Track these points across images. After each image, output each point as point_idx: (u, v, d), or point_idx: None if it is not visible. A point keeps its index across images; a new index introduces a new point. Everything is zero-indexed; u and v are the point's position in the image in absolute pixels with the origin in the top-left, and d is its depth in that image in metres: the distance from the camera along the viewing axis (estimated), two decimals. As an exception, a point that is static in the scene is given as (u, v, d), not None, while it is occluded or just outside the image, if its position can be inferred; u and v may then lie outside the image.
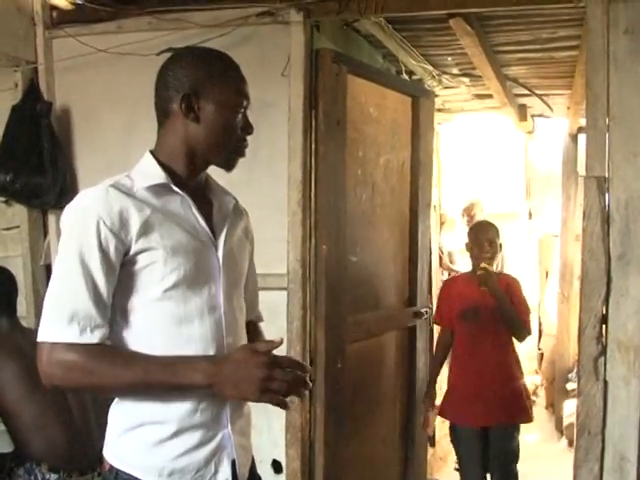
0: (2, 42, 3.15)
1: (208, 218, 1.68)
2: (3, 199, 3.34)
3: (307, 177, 2.99)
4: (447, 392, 3.57)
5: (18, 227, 3.40)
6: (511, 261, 5.88)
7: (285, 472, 3.06)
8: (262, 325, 2.92)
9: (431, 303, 4.63)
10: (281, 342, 1.56)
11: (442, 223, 5.96)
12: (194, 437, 1.57)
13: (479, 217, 5.74)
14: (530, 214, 6.24)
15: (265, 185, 3.07)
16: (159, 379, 1.50)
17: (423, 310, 3.85)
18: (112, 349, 1.54)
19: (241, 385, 1.48)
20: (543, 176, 6.22)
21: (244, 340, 1.74)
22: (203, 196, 1.71)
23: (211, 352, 1.58)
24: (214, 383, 1.50)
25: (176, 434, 1.57)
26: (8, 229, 3.49)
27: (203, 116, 1.62)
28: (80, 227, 1.51)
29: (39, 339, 1.48)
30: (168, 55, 2.58)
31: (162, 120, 1.67)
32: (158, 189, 1.60)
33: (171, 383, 1.51)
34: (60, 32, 3.25)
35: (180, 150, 1.64)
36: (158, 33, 3.04)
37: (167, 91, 1.63)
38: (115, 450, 1.62)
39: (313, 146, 3.02)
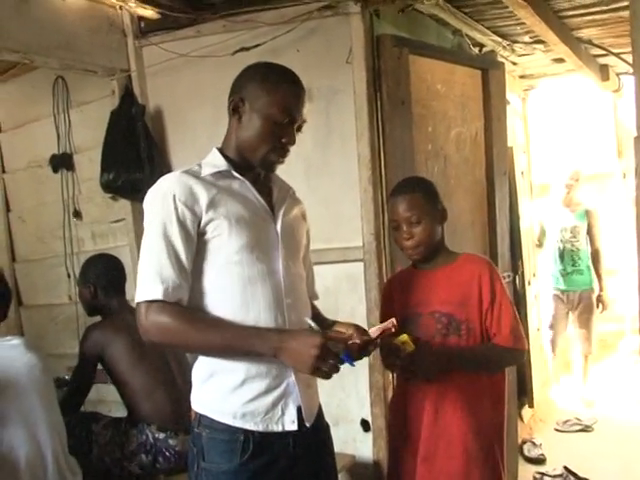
0: (99, 55, 3.51)
1: (268, 199, 1.94)
2: (109, 195, 3.72)
3: (376, 155, 3.21)
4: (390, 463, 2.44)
5: (124, 219, 3.79)
6: (606, 223, 5.83)
7: (372, 429, 3.31)
8: (344, 295, 3.25)
9: (520, 268, 4.75)
10: (350, 336, 1.86)
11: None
12: (261, 384, 1.83)
13: (575, 190, 5.64)
14: (624, 174, 6.15)
15: (339, 165, 3.31)
16: (235, 345, 1.77)
17: (505, 274, 3.97)
18: (198, 314, 1.82)
19: (298, 361, 1.71)
20: (635, 134, 6.10)
21: (305, 303, 2.00)
22: (263, 184, 1.97)
23: (272, 311, 1.83)
24: (277, 355, 1.74)
25: (245, 381, 1.82)
26: (116, 222, 3.89)
27: (245, 120, 1.89)
28: (160, 205, 1.80)
29: (136, 301, 1.78)
30: (242, 54, 2.92)
31: (229, 118, 1.95)
32: (221, 175, 1.88)
33: (244, 350, 1.77)
34: (148, 41, 3.59)
35: (233, 145, 1.92)
36: (232, 34, 3.31)
37: (230, 94, 1.92)
38: (198, 398, 1.90)
39: (380, 126, 3.23)
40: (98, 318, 3.10)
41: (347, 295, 3.33)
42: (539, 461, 4.43)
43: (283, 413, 1.85)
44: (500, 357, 2.25)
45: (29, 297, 4.56)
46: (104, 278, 3.06)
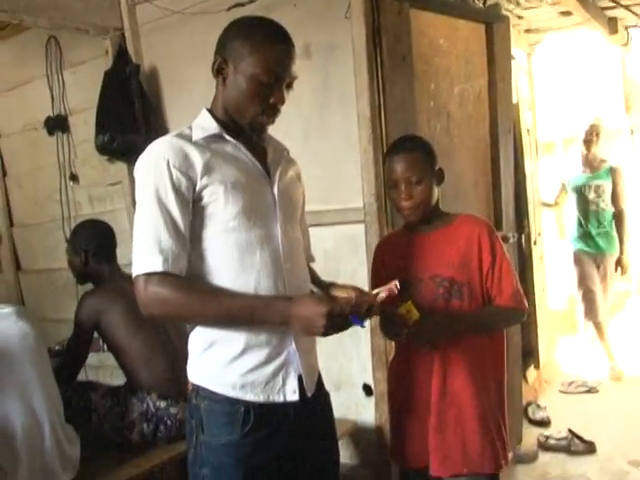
0: (90, 14, 3.42)
1: (263, 161, 1.87)
2: (106, 158, 3.65)
3: (376, 114, 3.10)
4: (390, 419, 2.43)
5: (121, 182, 3.72)
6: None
7: (374, 394, 3.27)
8: (345, 258, 3.19)
9: (525, 228, 4.67)
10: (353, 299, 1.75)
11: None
12: (261, 354, 1.78)
13: (596, 146, 5.33)
14: (632, 131, 6.03)
15: (338, 124, 3.22)
16: (241, 316, 1.71)
17: (509, 234, 3.90)
18: (200, 285, 1.76)
19: (308, 327, 1.66)
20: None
21: (303, 267, 1.94)
22: (257, 145, 1.89)
23: (272, 276, 1.77)
24: (286, 323, 1.69)
25: (244, 351, 1.77)
26: (113, 184, 3.83)
27: (230, 82, 1.80)
28: (153, 171, 1.72)
29: (133, 274, 1.71)
30: (238, 10, 2.78)
31: (215, 79, 1.86)
32: (214, 138, 1.80)
33: (252, 320, 1.72)
34: (141, -2, 3.49)
35: (221, 107, 1.84)
36: (228, -11, 3.21)
37: (214, 54, 1.82)
38: (195, 369, 1.85)
39: (380, 84, 3.12)
40: (89, 286, 3.05)
41: (348, 258, 3.27)
42: (543, 423, 4.39)
43: (284, 383, 1.81)
44: (503, 318, 2.23)
45: (28, 262, 4.52)
46: (94, 244, 3.00)
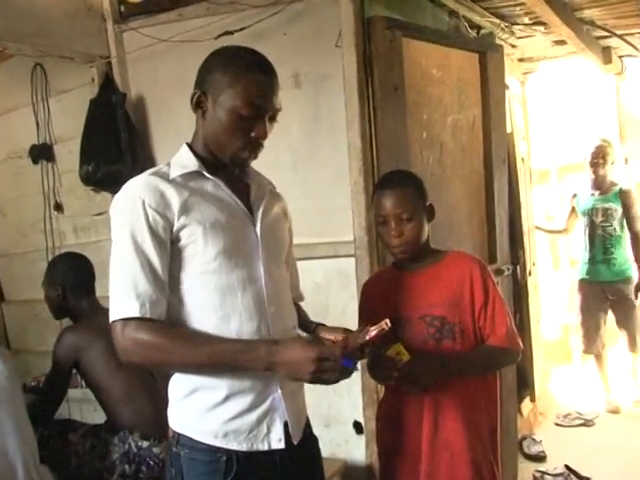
0: (76, 41, 3.35)
1: (245, 198, 1.79)
2: (90, 187, 3.56)
3: (367, 145, 3.04)
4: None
5: (106, 212, 3.61)
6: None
7: (365, 432, 3.17)
8: (335, 292, 3.10)
9: (521, 259, 4.58)
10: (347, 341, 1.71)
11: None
12: (245, 401, 1.70)
13: (604, 167, 5.10)
14: (626, 159, 5.98)
15: (327, 155, 3.15)
16: (222, 362, 1.63)
17: (504, 267, 3.83)
18: (179, 330, 1.68)
19: (295, 373, 1.59)
20: (638, 118, 5.95)
21: (289, 310, 1.86)
22: (239, 181, 1.82)
23: (255, 320, 1.70)
24: (271, 369, 1.62)
25: (227, 398, 1.70)
26: (98, 214, 3.73)
27: (209, 116, 1.73)
28: (129, 212, 1.65)
29: (111, 320, 1.63)
30: (226, 38, 2.72)
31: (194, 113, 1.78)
32: (193, 175, 1.73)
33: (233, 366, 1.64)
34: (128, 25, 3.42)
35: (201, 142, 1.77)
36: (216, 17, 3.15)
37: (194, 87, 1.75)
38: (176, 416, 1.77)
39: (371, 114, 3.06)
40: (67, 322, 2.95)
41: (338, 292, 3.19)
42: (539, 458, 4.28)
43: (269, 430, 1.74)
44: (497, 359, 2.13)
45: (11, 292, 4.42)
46: (72, 278, 2.90)
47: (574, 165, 6.01)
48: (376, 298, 2.21)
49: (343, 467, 3.18)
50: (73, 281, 2.89)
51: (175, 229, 1.65)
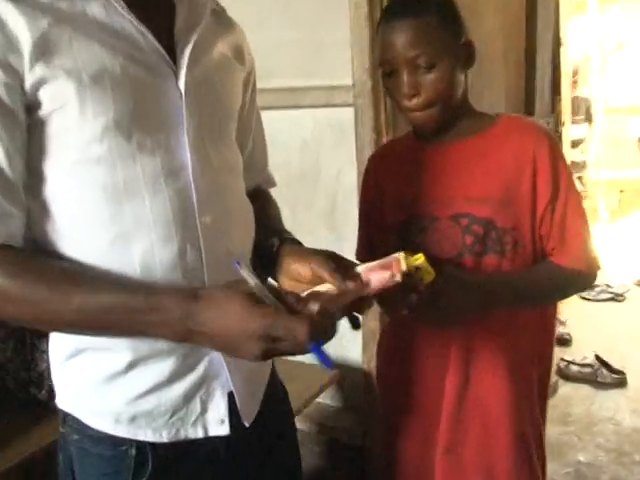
0: None
1: (163, 31, 1.05)
2: None
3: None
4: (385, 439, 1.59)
5: None
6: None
7: (362, 330, 2.54)
8: (328, 151, 2.36)
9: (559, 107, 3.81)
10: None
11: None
12: (162, 368, 1.05)
13: None
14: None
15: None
16: (107, 325, 0.96)
17: (543, 121, 3.08)
18: (41, 264, 0.98)
19: (229, 351, 0.95)
20: None
21: (240, 219, 1.14)
22: (159, 4, 1.06)
23: (174, 244, 1.01)
24: (188, 340, 0.95)
25: (133, 365, 1.05)
26: None
27: None
28: None
29: None
30: None
31: None
32: None
33: (127, 330, 0.98)
34: None
35: None
36: None
37: None
38: (59, 386, 1.13)
39: None
40: None
41: (332, 151, 2.46)
42: (564, 342, 3.74)
43: (204, 409, 1.11)
44: (563, 286, 1.40)
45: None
46: None
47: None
48: (386, 184, 1.46)
49: (336, 377, 2.56)
50: None
51: (28, 86, 0.93)
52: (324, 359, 0.91)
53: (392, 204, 1.41)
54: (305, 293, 0.99)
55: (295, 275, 1.07)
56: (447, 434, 1.40)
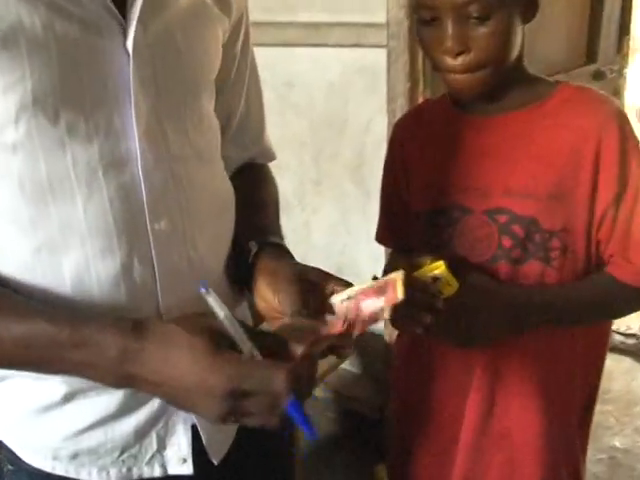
0: None
1: None
2: None
3: None
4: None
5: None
6: None
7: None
8: (357, 97, 2.13)
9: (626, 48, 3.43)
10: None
11: None
12: (108, 401, 0.86)
13: None
14: None
15: None
16: (26, 361, 0.74)
17: (606, 69, 2.72)
18: None
19: (183, 405, 0.72)
20: None
21: (209, 222, 0.90)
22: None
23: (116, 257, 0.79)
24: (128, 386, 0.73)
25: (69, 398, 0.84)
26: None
27: None
28: None
29: None
30: None
31: None
32: None
33: (48, 367, 0.75)
34: None
35: None
36: None
37: None
38: None
39: None
40: None
41: (361, 98, 2.20)
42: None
43: (162, 446, 0.90)
44: (621, 305, 1.13)
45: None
46: None
47: None
48: (412, 162, 1.19)
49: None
50: None
51: None
52: (306, 424, 0.69)
53: (418, 187, 1.16)
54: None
55: (268, 301, 0.83)
56: (465, 464, 1.17)
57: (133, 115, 0.76)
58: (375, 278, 0.86)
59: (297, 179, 2.40)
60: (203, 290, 0.69)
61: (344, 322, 0.77)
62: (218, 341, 0.68)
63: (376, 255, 2.32)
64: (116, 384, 0.71)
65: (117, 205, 0.76)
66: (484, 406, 1.14)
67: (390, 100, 2.04)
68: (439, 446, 1.20)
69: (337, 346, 0.77)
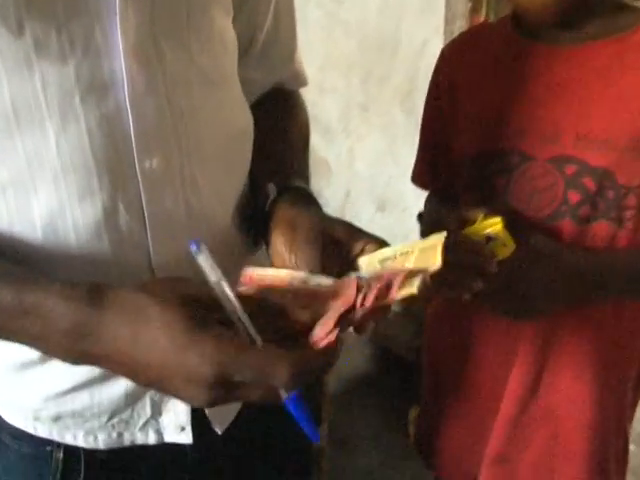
0: None
1: None
2: None
3: None
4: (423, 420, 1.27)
5: None
6: None
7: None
8: (411, 19, 1.96)
9: None
10: None
11: None
12: None
13: None
14: None
15: None
16: None
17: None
18: None
19: (160, 389, 0.57)
20: None
21: (216, 159, 0.74)
22: None
23: (98, 196, 0.64)
24: (90, 364, 0.58)
25: (49, 357, 0.71)
26: None
27: None
28: None
29: None
30: None
31: None
32: None
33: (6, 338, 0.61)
34: None
35: None
36: None
37: None
38: None
39: None
40: None
41: (416, 17, 2.01)
42: None
43: (157, 412, 0.78)
44: None
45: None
46: None
47: None
48: (462, 94, 1.02)
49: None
50: None
51: None
52: (307, 424, 0.56)
53: (468, 124, 0.99)
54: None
55: (284, 260, 0.68)
56: (501, 440, 1.05)
57: (118, 28, 0.61)
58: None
59: (343, 103, 2.23)
60: (194, 247, 0.55)
61: (359, 292, 0.61)
62: (203, 315, 0.54)
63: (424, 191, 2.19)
64: (74, 362, 0.58)
65: (98, 138, 0.62)
66: (530, 379, 1.00)
67: (448, 21, 1.84)
68: (475, 416, 1.08)
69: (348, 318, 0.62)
